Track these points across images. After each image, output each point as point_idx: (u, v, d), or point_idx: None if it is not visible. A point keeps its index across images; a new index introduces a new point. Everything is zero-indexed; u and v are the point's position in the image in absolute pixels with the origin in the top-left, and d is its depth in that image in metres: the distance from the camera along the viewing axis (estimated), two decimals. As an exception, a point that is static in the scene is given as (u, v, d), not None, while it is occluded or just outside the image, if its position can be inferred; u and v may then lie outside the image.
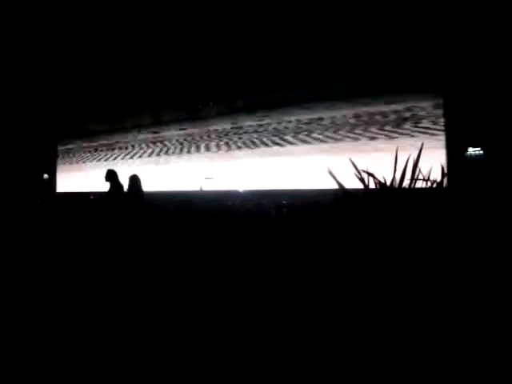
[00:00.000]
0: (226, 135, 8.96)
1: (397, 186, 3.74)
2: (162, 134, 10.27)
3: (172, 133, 10.02)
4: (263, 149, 8.60)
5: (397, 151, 3.93)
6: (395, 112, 7.11)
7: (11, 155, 11.82)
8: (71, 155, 12.96)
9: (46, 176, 12.86)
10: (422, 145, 3.87)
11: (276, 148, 8.46)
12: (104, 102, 10.84)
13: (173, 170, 10.02)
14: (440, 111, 6.55)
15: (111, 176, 5.46)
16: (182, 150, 9.82)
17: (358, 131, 7.60)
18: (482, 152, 5.81)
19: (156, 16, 7.71)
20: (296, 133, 8.23)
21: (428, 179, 3.79)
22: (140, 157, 10.82)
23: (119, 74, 9.66)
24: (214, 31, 7.85)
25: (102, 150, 11.90)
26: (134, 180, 5.54)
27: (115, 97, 10.43)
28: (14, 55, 9.35)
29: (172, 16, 7.68)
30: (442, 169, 4.04)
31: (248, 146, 8.75)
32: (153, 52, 8.70)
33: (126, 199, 5.35)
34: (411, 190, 3.75)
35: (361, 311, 3.01)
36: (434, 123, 6.60)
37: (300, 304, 3.41)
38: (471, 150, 5.92)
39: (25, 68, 9.91)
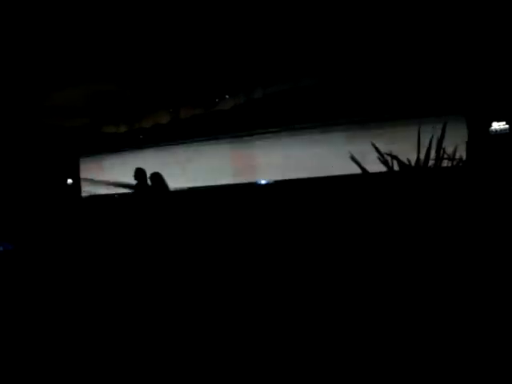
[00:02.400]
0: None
1: (421, 166, 3.73)
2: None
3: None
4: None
5: (419, 131, 3.89)
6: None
7: (35, 161, 12.16)
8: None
9: (70, 181, 13.18)
10: (445, 124, 3.82)
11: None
12: (123, 104, 11.00)
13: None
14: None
15: (140, 174, 5.58)
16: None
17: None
18: (507, 126, 5.65)
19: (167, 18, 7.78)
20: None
21: (453, 158, 3.76)
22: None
23: (136, 77, 9.78)
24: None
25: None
26: (158, 177, 5.62)
27: (134, 99, 10.58)
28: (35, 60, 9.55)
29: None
30: (467, 146, 3.99)
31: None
32: (168, 51, 8.78)
33: (153, 196, 5.47)
34: (436, 169, 3.73)
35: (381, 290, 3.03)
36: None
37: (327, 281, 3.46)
38: (496, 125, 5.76)
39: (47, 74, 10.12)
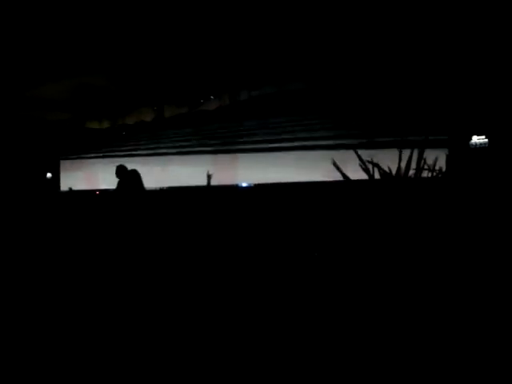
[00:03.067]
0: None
1: (402, 176, 3.75)
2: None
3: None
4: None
5: (401, 142, 3.93)
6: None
7: (14, 154, 11.87)
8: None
9: (49, 175, 12.89)
10: (427, 136, 3.87)
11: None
12: (106, 100, 10.83)
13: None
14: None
15: (121, 171, 5.48)
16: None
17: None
18: (486, 140, 5.74)
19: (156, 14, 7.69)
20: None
21: (433, 169, 3.79)
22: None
23: (121, 72, 9.64)
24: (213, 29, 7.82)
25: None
26: (135, 175, 5.52)
27: (117, 94, 10.42)
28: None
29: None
30: (447, 158, 4.04)
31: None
32: (154, 48, 8.68)
33: (131, 194, 5.38)
34: (416, 179, 3.76)
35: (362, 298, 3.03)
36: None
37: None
38: (475, 138, 5.84)
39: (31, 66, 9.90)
